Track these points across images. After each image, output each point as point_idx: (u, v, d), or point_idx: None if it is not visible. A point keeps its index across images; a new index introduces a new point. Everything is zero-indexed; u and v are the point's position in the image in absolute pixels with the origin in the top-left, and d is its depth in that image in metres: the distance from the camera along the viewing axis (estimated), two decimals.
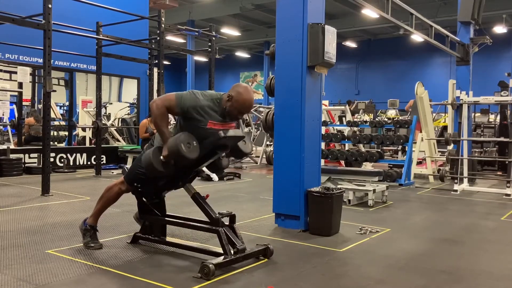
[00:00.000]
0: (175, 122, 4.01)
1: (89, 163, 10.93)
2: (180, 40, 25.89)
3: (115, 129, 13.74)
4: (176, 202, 5.93)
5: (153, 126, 9.62)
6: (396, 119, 11.00)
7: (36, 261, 3.74)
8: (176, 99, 3.63)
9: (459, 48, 10.79)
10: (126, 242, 4.30)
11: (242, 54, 32.34)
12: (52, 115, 9.77)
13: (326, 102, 14.04)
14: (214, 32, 10.91)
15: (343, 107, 13.15)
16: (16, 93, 12.39)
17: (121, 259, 3.82)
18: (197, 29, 11.83)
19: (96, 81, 10.45)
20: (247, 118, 13.90)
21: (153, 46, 11.33)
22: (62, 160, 10.41)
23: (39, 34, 7.24)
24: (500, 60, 23.52)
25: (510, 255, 4.36)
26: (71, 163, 10.66)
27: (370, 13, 16.60)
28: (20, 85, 11.43)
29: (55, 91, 7.48)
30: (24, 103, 13.49)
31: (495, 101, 9.32)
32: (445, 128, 12.50)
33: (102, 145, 10.73)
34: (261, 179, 9.87)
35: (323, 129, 10.36)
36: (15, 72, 11.35)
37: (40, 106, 12.39)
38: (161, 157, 3.64)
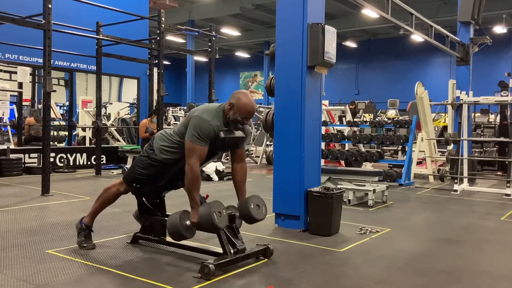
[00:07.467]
0: (176, 123, 3.98)
1: (89, 163, 10.93)
2: (180, 40, 25.89)
3: (115, 129, 13.74)
4: (176, 202, 5.93)
5: (153, 126, 9.66)
6: (396, 119, 11.00)
7: (36, 261, 3.74)
8: (200, 143, 3.57)
9: (459, 48, 10.79)
10: (126, 242, 4.30)
11: (242, 54, 32.35)
12: (52, 115, 9.77)
13: (326, 102, 14.04)
14: (214, 32, 10.91)
15: (343, 107, 13.14)
16: (16, 93, 12.39)
17: (121, 259, 3.82)
18: (197, 29, 11.85)
19: (96, 81, 10.46)
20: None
21: (153, 46, 11.33)
22: (62, 160, 10.41)
23: (39, 34, 7.24)
24: (500, 60, 23.54)
25: (510, 255, 4.37)
26: (71, 163, 10.66)
27: (370, 13, 16.59)
28: (20, 85, 11.43)
29: (55, 91, 7.47)
30: (24, 103, 13.49)
31: (495, 101, 9.33)
32: (445, 128, 12.51)
33: (102, 145, 10.73)
34: (261, 179, 9.87)
35: (323, 129, 10.36)
36: (15, 72, 11.33)
37: (40, 106, 12.39)
38: (187, 222, 3.61)
